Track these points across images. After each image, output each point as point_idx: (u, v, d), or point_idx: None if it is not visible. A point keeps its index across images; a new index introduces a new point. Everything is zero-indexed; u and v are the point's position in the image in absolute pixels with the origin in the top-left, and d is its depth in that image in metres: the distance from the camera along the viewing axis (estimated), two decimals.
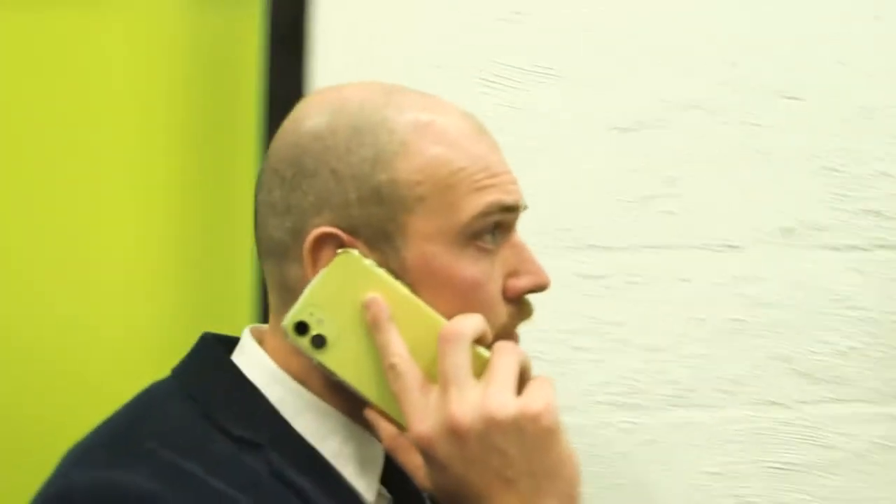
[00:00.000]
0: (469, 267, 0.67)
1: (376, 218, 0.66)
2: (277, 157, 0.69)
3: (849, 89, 1.25)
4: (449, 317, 0.66)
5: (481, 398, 0.62)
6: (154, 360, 1.16)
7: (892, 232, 1.24)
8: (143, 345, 1.21)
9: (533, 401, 0.63)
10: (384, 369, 0.65)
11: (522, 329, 0.71)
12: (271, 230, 0.69)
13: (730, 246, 1.23)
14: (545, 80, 1.20)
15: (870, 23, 1.26)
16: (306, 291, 0.66)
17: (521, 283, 0.69)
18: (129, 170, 1.21)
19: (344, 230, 0.66)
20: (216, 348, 0.72)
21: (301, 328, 0.66)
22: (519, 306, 0.70)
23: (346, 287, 0.66)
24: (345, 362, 0.66)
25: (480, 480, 0.62)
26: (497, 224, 0.68)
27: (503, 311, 0.69)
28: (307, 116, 0.69)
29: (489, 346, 0.66)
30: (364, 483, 0.69)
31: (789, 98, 1.24)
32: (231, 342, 0.73)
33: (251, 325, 0.74)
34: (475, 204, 0.66)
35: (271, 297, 0.71)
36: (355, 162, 0.66)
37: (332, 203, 0.66)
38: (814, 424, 1.24)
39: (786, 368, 1.23)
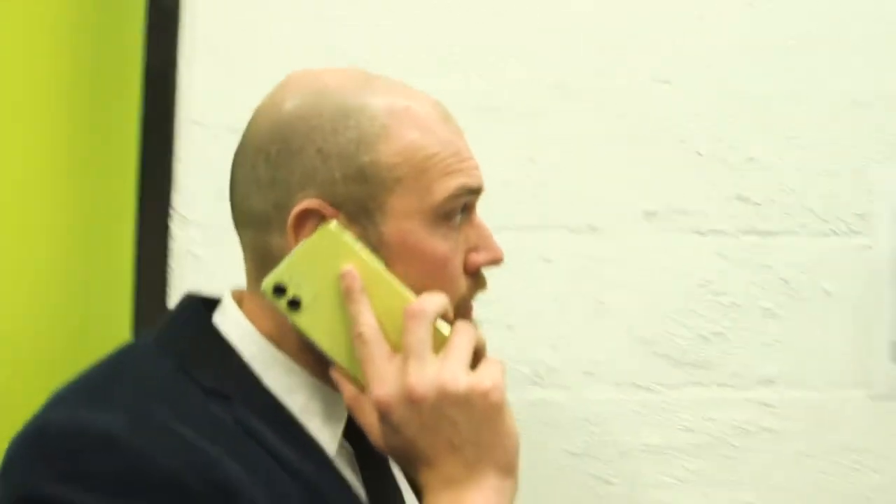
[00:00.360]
0: (440, 244, 0.74)
1: (358, 195, 0.73)
2: (260, 135, 0.75)
3: (719, 75, 1.25)
4: (419, 288, 0.73)
5: (438, 371, 0.69)
6: (34, 358, 1.19)
7: (759, 218, 1.25)
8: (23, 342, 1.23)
9: (483, 378, 0.70)
10: (353, 336, 0.71)
11: None
12: (254, 203, 0.75)
13: (592, 227, 1.24)
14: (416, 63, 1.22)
15: (743, 8, 1.26)
16: (288, 257, 0.72)
17: (481, 257, 0.77)
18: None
19: (328, 205, 0.73)
20: (197, 308, 0.79)
21: (279, 290, 0.72)
22: (476, 279, 0.78)
23: (325, 257, 0.72)
24: (316, 325, 0.73)
25: (429, 445, 0.69)
26: (463, 205, 0.75)
27: (463, 284, 0.76)
28: (289, 98, 0.75)
29: (451, 321, 0.73)
30: (327, 436, 0.75)
31: (659, 82, 1.25)
32: (212, 303, 0.79)
33: (232, 288, 0.79)
34: (446, 186, 0.74)
35: (248, 264, 0.78)
36: (341, 143, 0.73)
37: (317, 179, 0.73)
38: (675, 407, 1.25)
39: (647, 351, 1.24)
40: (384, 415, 0.70)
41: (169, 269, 1.19)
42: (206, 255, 1.19)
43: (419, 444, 0.69)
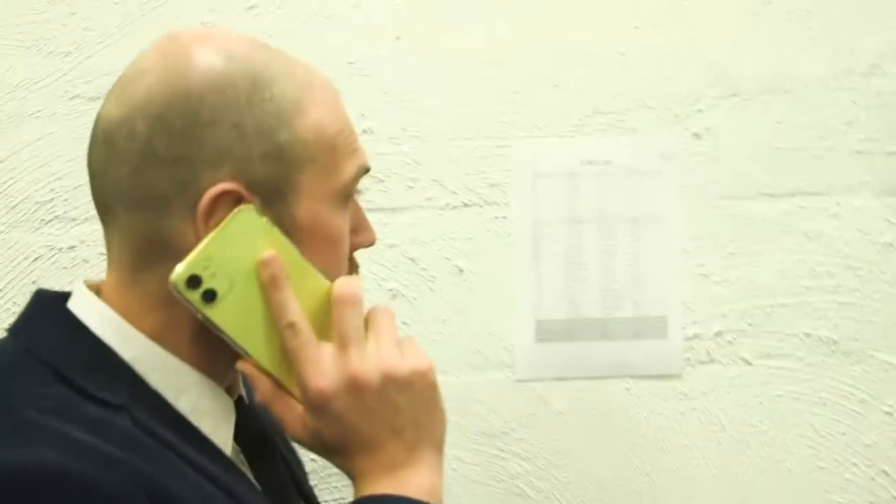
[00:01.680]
0: (343, 225, 0.72)
1: (275, 175, 0.67)
2: (161, 103, 0.66)
3: (335, 45, 1.19)
4: (322, 271, 0.69)
5: (377, 356, 0.67)
6: None
7: (380, 193, 1.18)
8: None
9: (421, 359, 0.69)
10: (279, 327, 0.67)
11: None
12: (150, 181, 0.66)
13: None
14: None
15: None
16: (202, 245, 0.65)
17: (360, 239, 0.75)
18: None
19: (243, 186, 0.66)
20: (59, 306, 0.70)
21: (194, 282, 0.65)
22: (352, 261, 0.75)
23: (242, 244, 0.66)
24: (231, 318, 0.66)
25: (371, 430, 0.67)
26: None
27: (347, 266, 0.74)
28: (193, 64, 0.67)
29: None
30: (221, 437, 0.70)
31: None
32: (65, 297, 0.72)
33: (86, 281, 0.72)
34: (350, 166, 0.71)
35: (127, 253, 0.69)
36: (259, 117, 0.67)
37: (232, 157, 0.66)
38: None
39: None
40: (322, 405, 0.66)
41: None
42: None
43: (360, 431, 0.67)
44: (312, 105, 0.69)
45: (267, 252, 0.66)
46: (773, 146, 1.20)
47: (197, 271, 0.64)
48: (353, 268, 0.75)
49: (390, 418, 0.67)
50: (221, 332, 0.66)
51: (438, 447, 0.70)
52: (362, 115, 1.18)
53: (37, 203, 1.17)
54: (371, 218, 1.15)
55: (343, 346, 0.67)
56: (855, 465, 1.20)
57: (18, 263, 1.17)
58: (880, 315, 1.21)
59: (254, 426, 0.76)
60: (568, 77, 1.19)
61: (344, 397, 0.66)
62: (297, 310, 0.66)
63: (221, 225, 0.65)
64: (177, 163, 0.65)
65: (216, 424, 0.70)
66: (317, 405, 0.66)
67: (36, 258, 1.18)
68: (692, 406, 1.19)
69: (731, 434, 1.20)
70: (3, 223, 1.17)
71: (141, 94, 0.66)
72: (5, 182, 1.17)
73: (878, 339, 1.20)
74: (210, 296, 0.65)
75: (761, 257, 1.20)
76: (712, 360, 1.20)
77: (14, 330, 0.71)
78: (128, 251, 0.68)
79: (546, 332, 1.18)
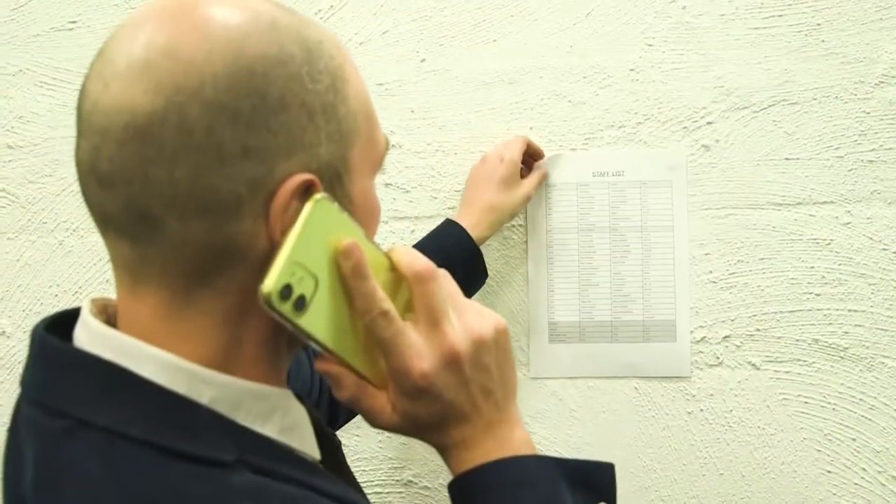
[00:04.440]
0: (377, 199, 0.68)
1: (334, 156, 0.60)
2: (219, 86, 0.55)
3: (365, 69, 1.30)
4: None
5: (464, 325, 0.66)
6: None
7: (408, 204, 1.29)
8: None
9: (496, 316, 0.68)
10: (370, 317, 0.63)
11: None
12: (215, 180, 0.55)
13: None
14: None
15: None
16: (287, 248, 0.57)
17: None
18: None
19: (313, 173, 0.59)
20: (90, 363, 0.59)
21: (286, 292, 0.57)
22: None
23: (321, 237, 0.59)
24: (321, 321, 0.60)
25: (469, 398, 0.66)
26: None
27: None
28: (242, 34, 0.57)
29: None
30: (308, 445, 0.66)
31: None
32: (76, 350, 0.60)
33: (85, 316, 0.62)
34: (381, 136, 0.66)
35: (175, 268, 0.58)
36: (321, 91, 0.59)
37: (304, 142, 0.58)
38: None
39: None
40: (426, 388, 0.64)
41: None
42: None
43: (459, 402, 0.66)
44: (350, 70, 0.62)
45: (346, 241, 0.60)
46: (782, 156, 1.23)
47: (288, 279, 0.57)
48: None
49: (484, 382, 0.66)
50: (311, 337, 0.60)
51: (515, 396, 0.70)
52: (391, 132, 1.29)
53: None
54: (399, 226, 1.28)
55: (434, 323, 0.65)
56: (864, 469, 1.21)
57: (95, 263, 1.34)
58: (891, 323, 1.21)
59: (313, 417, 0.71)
60: (581, 93, 1.26)
61: (444, 374, 0.64)
62: (384, 296, 0.63)
63: (300, 221, 0.57)
64: (246, 156, 0.56)
65: (303, 435, 0.66)
66: (421, 388, 0.64)
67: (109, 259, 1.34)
68: (700, 407, 1.24)
69: (738, 435, 1.23)
70: (85, 229, 1.34)
71: (185, 77, 0.55)
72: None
73: (889, 346, 1.21)
74: (301, 303, 0.58)
75: (770, 265, 1.23)
76: (720, 364, 1.24)
77: (56, 408, 0.58)
78: (178, 267, 0.58)
79: (559, 334, 1.26)
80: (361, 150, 0.62)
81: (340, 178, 0.61)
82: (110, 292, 1.22)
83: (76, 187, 1.34)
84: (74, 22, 1.34)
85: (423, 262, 0.65)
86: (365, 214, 0.64)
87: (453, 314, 0.66)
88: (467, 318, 0.66)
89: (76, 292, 1.33)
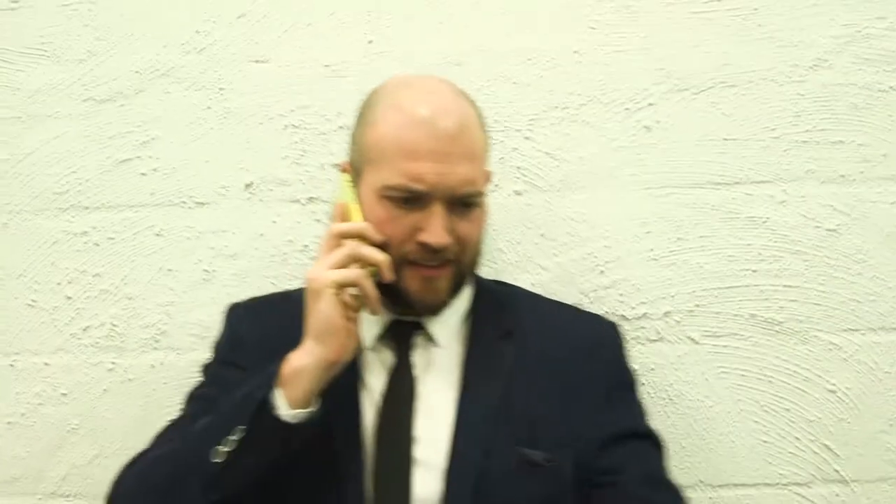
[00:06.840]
0: (381, 213, 1.04)
1: (355, 163, 1.08)
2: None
3: (313, 50, 1.31)
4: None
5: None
6: None
7: None
8: None
9: (313, 271, 1.02)
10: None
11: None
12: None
13: (198, 202, 1.33)
14: (37, 60, 1.34)
15: None
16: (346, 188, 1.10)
17: (420, 236, 1.06)
18: None
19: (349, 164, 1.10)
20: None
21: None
22: (424, 245, 1.04)
23: (348, 192, 1.08)
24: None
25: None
26: (407, 196, 1.03)
27: (407, 246, 1.05)
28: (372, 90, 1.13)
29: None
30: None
31: (255, 62, 1.32)
32: None
33: None
34: (392, 177, 1.03)
35: None
36: (361, 122, 1.09)
37: (352, 146, 1.10)
38: None
39: None
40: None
41: None
42: None
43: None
44: (383, 122, 1.04)
45: (343, 201, 1.08)
46: (720, 137, 1.27)
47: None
48: (423, 250, 1.03)
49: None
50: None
51: (312, 336, 1.00)
52: (338, 113, 1.31)
53: (55, 193, 1.34)
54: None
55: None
56: (797, 439, 1.27)
57: (39, 246, 1.33)
58: (825, 298, 1.26)
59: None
60: (525, 75, 1.29)
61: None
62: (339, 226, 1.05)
63: (342, 179, 1.10)
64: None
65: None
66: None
67: (54, 242, 1.34)
68: (641, 381, 1.27)
69: (679, 407, 1.28)
70: (27, 211, 1.33)
71: None
72: (28, 175, 1.34)
73: (822, 320, 1.26)
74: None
75: (709, 242, 1.27)
76: (661, 339, 1.28)
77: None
78: None
79: None
80: (372, 173, 1.05)
81: (360, 176, 1.07)
82: (55, 275, 1.18)
83: (20, 169, 1.33)
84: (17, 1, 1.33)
85: (338, 227, 1.03)
86: (365, 210, 1.05)
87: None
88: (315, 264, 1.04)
89: (20, 275, 1.33)
